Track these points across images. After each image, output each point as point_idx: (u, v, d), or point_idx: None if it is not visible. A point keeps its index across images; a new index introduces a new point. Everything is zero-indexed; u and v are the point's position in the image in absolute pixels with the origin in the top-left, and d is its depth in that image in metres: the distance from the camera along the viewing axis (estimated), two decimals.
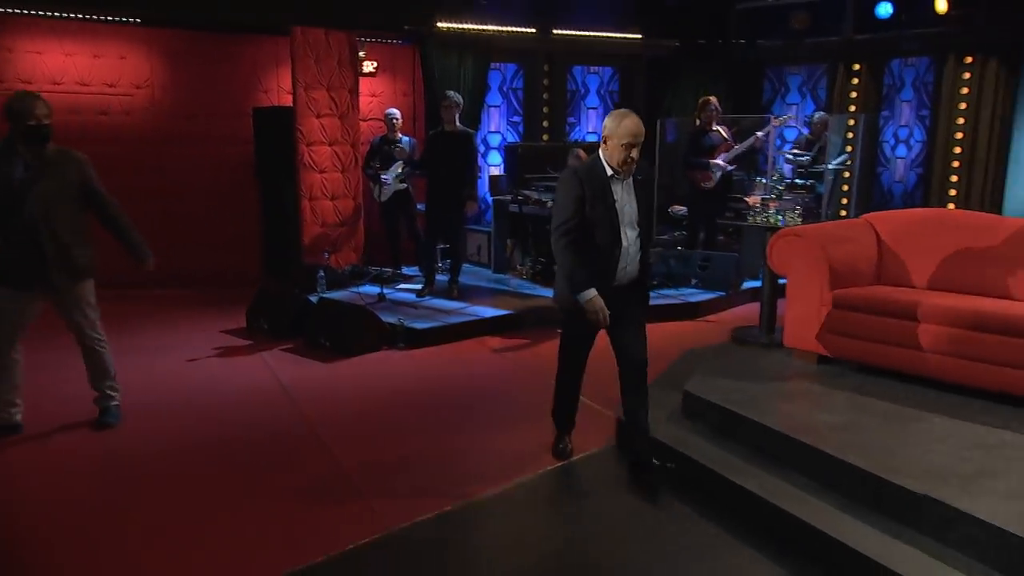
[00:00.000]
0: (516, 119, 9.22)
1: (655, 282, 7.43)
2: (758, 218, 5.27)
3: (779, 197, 6.39)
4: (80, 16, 7.39)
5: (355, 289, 7.19)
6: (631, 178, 3.45)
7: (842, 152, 8.96)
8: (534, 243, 7.98)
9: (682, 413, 4.05)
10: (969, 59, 8.38)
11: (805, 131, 8.92)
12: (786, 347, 4.60)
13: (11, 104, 3.74)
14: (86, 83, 7.65)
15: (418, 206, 7.68)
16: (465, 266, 8.55)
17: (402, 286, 7.44)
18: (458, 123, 6.70)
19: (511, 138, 9.21)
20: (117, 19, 7.59)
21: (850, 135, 9.17)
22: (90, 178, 4.00)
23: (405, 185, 7.59)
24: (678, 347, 5.47)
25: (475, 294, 7.20)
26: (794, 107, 9.95)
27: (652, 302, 6.79)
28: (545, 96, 9.15)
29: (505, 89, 9.13)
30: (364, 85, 8.68)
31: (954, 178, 8.72)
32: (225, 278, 7.85)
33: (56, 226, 3.86)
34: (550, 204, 7.31)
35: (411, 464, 3.84)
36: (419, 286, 7.15)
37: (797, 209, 5.06)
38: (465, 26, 8.32)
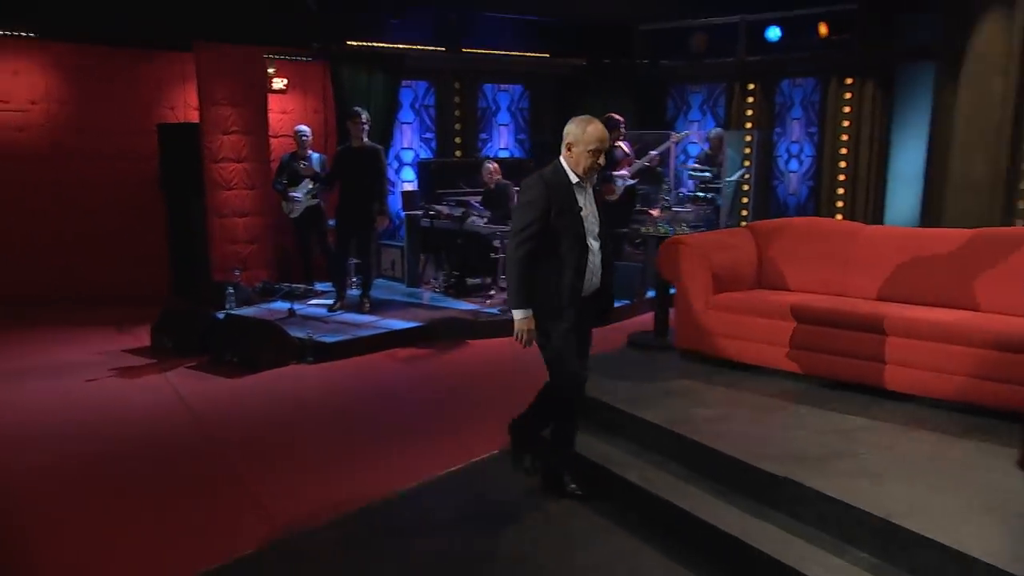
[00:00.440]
0: (429, 135, 9.37)
1: None
2: (649, 228, 5.57)
3: (667, 208, 6.74)
4: None
5: (265, 305, 7.17)
6: (591, 187, 3.38)
7: (740, 167, 9.48)
8: (447, 257, 8.12)
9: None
10: (849, 80, 9.01)
11: (705, 147, 9.41)
12: (676, 348, 4.88)
13: None
14: None
15: (330, 222, 7.72)
16: (379, 281, 8.61)
17: (314, 302, 7.44)
18: (366, 139, 6.80)
19: (424, 154, 9.35)
20: (10, 33, 7.38)
21: (747, 150, 9.70)
22: None
23: (316, 201, 7.62)
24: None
25: (387, 308, 7.27)
26: (695, 124, 10.45)
27: None
28: (457, 113, 9.34)
29: (417, 106, 9.27)
30: (274, 102, 8.68)
31: (841, 191, 9.33)
32: (130, 297, 7.67)
33: None
34: (465, 214, 7.49)
35: (313, 473, 3.90)
36: (331, 301, 7.18)
37: (686, 220, 5.36)
38: (375, 44, 8.44)
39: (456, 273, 7.99)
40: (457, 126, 9.35)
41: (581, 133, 3.25)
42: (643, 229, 5.71)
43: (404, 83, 8.97)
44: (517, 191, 8.20)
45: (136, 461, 4.05)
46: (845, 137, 9.20)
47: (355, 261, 7.58)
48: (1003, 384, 3.52)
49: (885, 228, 4.84)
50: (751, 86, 9.74)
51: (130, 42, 7.74)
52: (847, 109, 9.12)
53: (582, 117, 3.32)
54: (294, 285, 7.69)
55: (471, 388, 5.31)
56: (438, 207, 7.85)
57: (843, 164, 9.26)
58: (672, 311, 5.07)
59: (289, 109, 8.83)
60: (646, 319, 7.31)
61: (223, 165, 7.75)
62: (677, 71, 10.19)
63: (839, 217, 9.28)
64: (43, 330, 6.74)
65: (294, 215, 7.61)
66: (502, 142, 9.88)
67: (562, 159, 3.32)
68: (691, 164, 9.37)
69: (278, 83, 8.60)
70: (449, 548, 3.20)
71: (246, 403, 4.99)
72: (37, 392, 5.01)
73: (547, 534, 3.31)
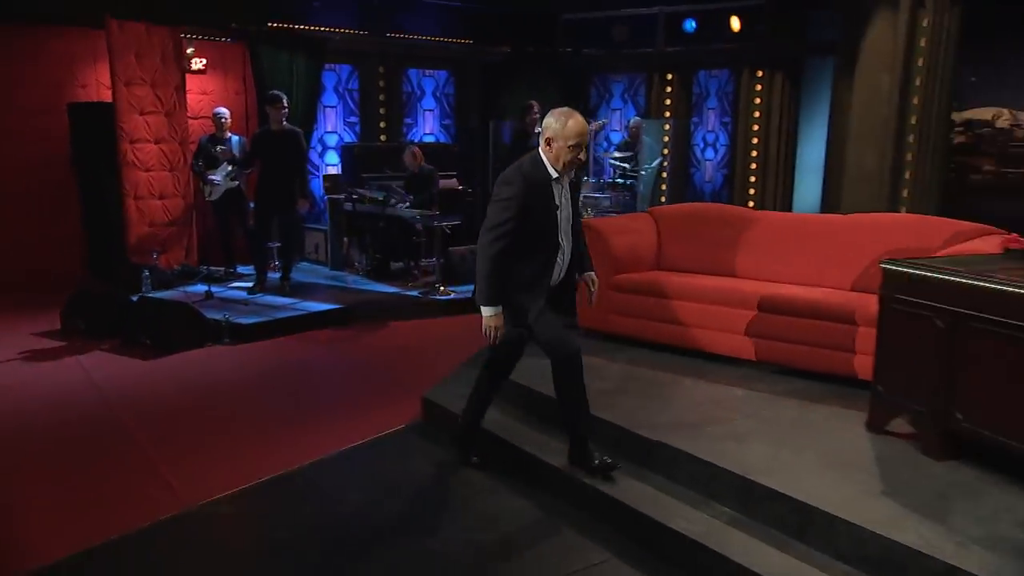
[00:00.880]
0: (353, 119, 9.39)
1: None
2: None
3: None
4: None
5: (184, 288, 7.13)
6: (568, 182, 3.32)
7: (659, 155, 9.83)
8: (370, 240, 8.20)
9: None
10: (760, 72, 9.43)
11: (625, 135, 9.72)
12: (580, 328, 5.12)
13: None
14: None
15: (251, 204, 7.70)
16: (303, 264, 8.65)
17: (235, 284, 7.44)
18: (285, 122, 6.82)
19: (348, 138, 9.36)
20: None
21: (666, 139, 10.06)
22: None
23: (236, 183, 7.58)
24: None
25: (309, 290, 7.33)
26: (618, 112, 10.75)
27: None
28: (381, 97, 9.38)
29: (341, 90, 9.27)
30: (195, 82, 8.56)
31: (753, 179, 9.78)
32: (42, 281, 7.50)
33: None
34: (387, 198, 7.57)
35: (219, 449, 3.99)
36: (251, 284, 7.19)
37: (601, 206, 5.58)
38: (297, 26, 8.40)
39: (379, 256, 8.08)
40: (382, 110, 9.39)
41: (561, 128, 3.15)
42: None
43: (327, 66, 8.96)
44: (440, 176, 8.43)
45: (40, 441, 4.06)
46: (756, 127, 9.64)
47: (276, 244, 7.60)
48: (851, 353, 3.87)
49: (770, 214, 5.19)
50: (669, 76, 10.08)
51: (37, 19, 7.50)
52: (758, 100, 9.54)
53: (562, 110, 3.21)
54: (214, 268, 7.65)
55: (386, 367, 5.44)
56: (361, 191, 7.92)
57: (754, 153, 9.70)
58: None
59: (209, 90, 8.72)
60: None
61: (139, 146, 7.62)
62: (599, 60, 10.45)
63: (751, 204, 9.74)
64: None
65: (213, 197, 7.56)
66: (427, 127, 9.97)
67: (541, 153, 3.23)
68: (612, 152, 9.66)
69: (197, 63, 8.49)
70: (345, 516, 3.36)
71: (157, 384, 5.02)
72: None
73: (440, 495, 3.50)
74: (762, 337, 4.29)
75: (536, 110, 7.96)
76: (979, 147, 7.79)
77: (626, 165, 9.29)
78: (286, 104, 6.78)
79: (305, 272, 8.20)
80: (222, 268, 7.74)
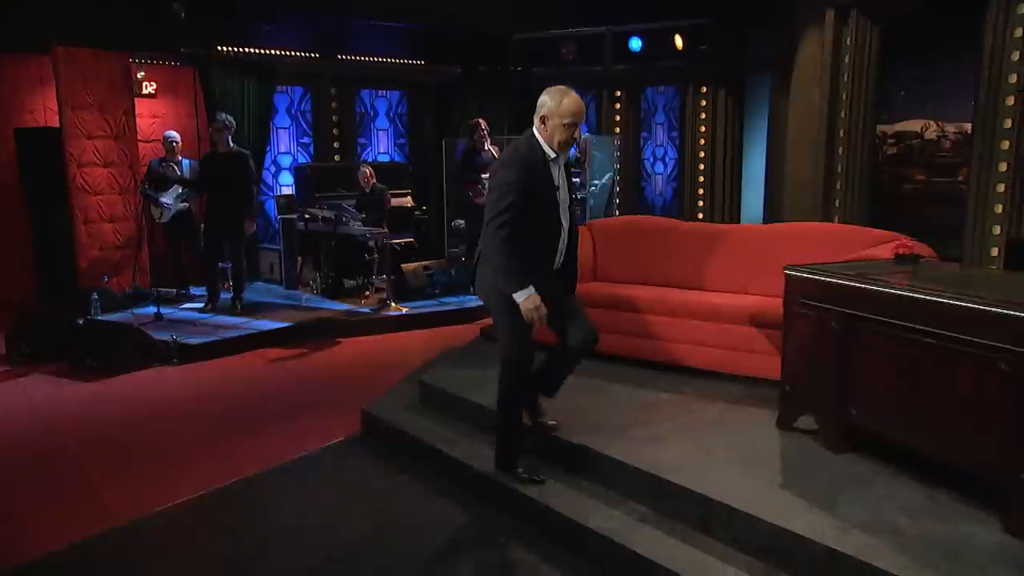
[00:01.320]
0: (306, 140, 9.50)
1: (437, 292, 8.00)
2: None
3: None
4: None
5: (135, 310, 7.15)
6: (564, 161, 3.27)
7: (610, 170, 10.06)
8: (324, 258, 8.29)
9: (419, 400, 4.56)
10: (704, 89, 9.74)
11: (574, 151, 9.94)
12: None
13: None
14: None
15: (201, 225, 7.75)
16: (259, 284, 8.70)
17: (187, 305, 7.47)
18: (231, 144, 6.90)
19: (302, 159, 9.46)
20: None
21: (616, 154, 10.30)
22: None
23: (187, 205, 7.64)
24: (444, 347, 6.02)
25: (262, 310, 7.38)
26: None
27: (434, 310, 7.38)
28: (334, 118, 9.50)
29: (294, 111, 9.38)
30: (146, 106, 8.63)
31: (701, 191, 10.06)
32: None
33: None
34: (338, 217, 7.67)
35: (157, 466, 4.05)
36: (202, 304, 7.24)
37: None
38: (247, 50, 8.50)
39: (332, 274, 8.17)
40: (335, 131, 9.51)
41: (556, 106, 3.11)
42: None
43: (280, 88, 9.07)
44: (395, 194, 8.56)
45: None
46: (703, 142, 9.93)
47: (227, 265, 7.65)
48: (771, 356, 4.05)
49: (697, 225, 5.40)
50: (618, 93, 10.34)
51: None
52: (703, 116, 9.85)
53: (557, 88, 3.17)
54: (165, 290, 7.68)
55: (332, 383, 5.52)
56: (312, 210, 8.01)
57: (702, 167, 9.99)
58: None
59: (161, 113, 8.79)
60: None
61: (88, 170, 7.67)
62: (549, 79, 10.58)
63: (700, 216, 10.01)
64: None
65: (164, 220, 7.61)
66: (381, 147, 10.10)
67: (536, 132, 3.18)
68: None
69: (148, 87, 8.56)
70: (279, 527, 3.44)
71: (98, 404, 5.05)
72: None
73: (375, 500, 3.60)
74: (690, 343, 4.46)
75: (483, 127, 8.15)
76: (910, 158, 8.12)
77: (576, 180, 9.49)
78: (228, 124, 6.86)
79: (260, 292, 8.25)
80: (174, 290, 7.76)
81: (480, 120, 8.17)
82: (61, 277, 7.68)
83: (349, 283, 8.22)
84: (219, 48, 8.29)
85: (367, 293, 7.88)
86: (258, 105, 8.71)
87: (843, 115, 6.95)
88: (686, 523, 3.01)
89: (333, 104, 9.45)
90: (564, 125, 3.12)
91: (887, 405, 3.02)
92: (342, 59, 9.33)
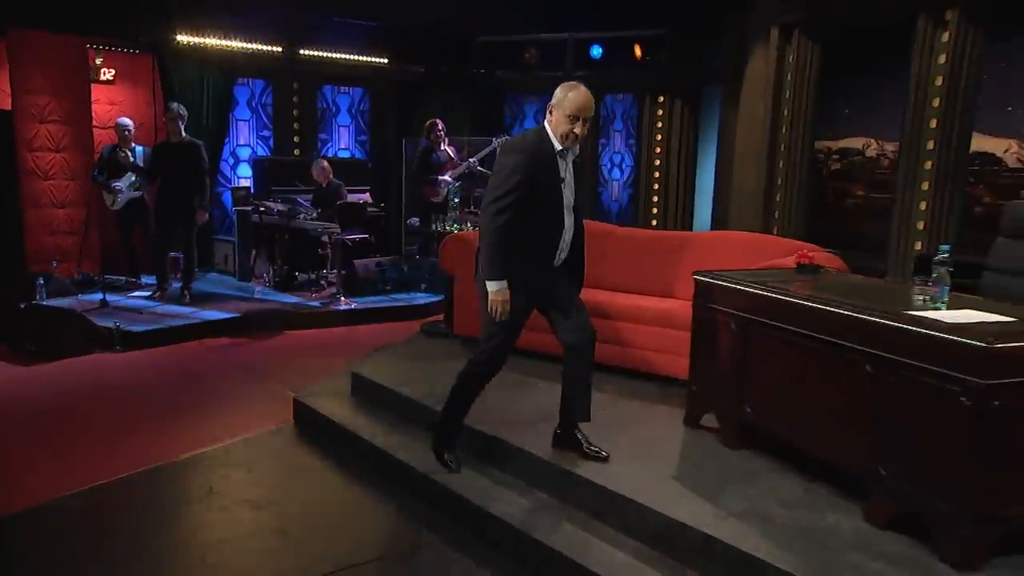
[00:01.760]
0: (266, 133, 9.53)
1: (388, 288, 8.11)
2: (439, 226, 6.08)
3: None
4: None
5: (82, 297, 7.15)
6: (572, 158, 3.26)
7: None
8: (277, 251, 8.34)
9: (350, 391, 4.68)
10: (661, 98, 9.96)
11: None
12: (457, 336, 5.40)
13: None
14: None
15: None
16: (212, 274, 8.73)
17: (136, 293, 7.49)
18: (184, 134, 6.95)
19: (262, 151, 9.50)
20: None
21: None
22: None
23: (140, 193, 7.66)
24: (390, 342, 6.12)
25: (212, 300, 7.42)
26: None
27: (386, 305, 7.47)
28: (295, 113, 9.55)
29: (254, 104, 9.41)
30: (104, 93, 8.61)
31: (655, 199, 10.28)
32: None
33: None
34: (292, 211, 7.74)
35: (82, 448, 4.11)
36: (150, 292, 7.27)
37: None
38: (207, 40, 8.52)
39: (285, 267, 8.23)
40: (295, 126, 9.56)
41: (563, 98, 3.12)
42: (434, 226, 6.19)
43: (240, 80, 9.10)
44: (354, 191, 8.64)
45: None
46: (659, 150, 10.15)
47: (179, 254, 7.68)
48: (677, 356, 4.23)
49: (630, 230, 5.58)
50: None
51: None
52: (660, 124, 10.06)
53: (569, 83, 3.19)
54: (114, 277, 7.69)
55: (271, 373, 5.60)
56: (267, 203, 8.07)
57: (657, 174, 10.20)
58: None
59: (119, 100, 8.77)
60: None
61: (39, 154, 7.65)
62: (512, 82, 10.83)
63: (654, 222, 10.22)
64: None
65: (116, 207, 7.61)
66: (342, 143, 10.17)
67: (546, 123, 3.20)
68: None
69: (106, 73, 8.54)
70: (182, 518, 3.54)
71: (32, 388, 5.09)
72: None
73: (306, 489, 3.71)
74: (614, 343, 4.63)
75: (440, 127, 8.27)
76: (852, 174, 8.41)
77: None
78: (181, 114, 6.91)
79: (213, 283, 8.28)
80: (123, 277, 7.77)
81: (437, 120, 8.29)
82: (8, 261, 7.64)
83: (302, 277, 8.29)
84: (178, 38, 8.29)
85: (319, 287, 7.95)
86: (217, 96, 8.74)
87: (784, 130, 7.20)
88: (585, 511, 3.17)
89: (295, 99, 9.50)
90: (567, 117, 3.13)
91: (776, 405, 3.21)
92: (305, 54, 9.38)
